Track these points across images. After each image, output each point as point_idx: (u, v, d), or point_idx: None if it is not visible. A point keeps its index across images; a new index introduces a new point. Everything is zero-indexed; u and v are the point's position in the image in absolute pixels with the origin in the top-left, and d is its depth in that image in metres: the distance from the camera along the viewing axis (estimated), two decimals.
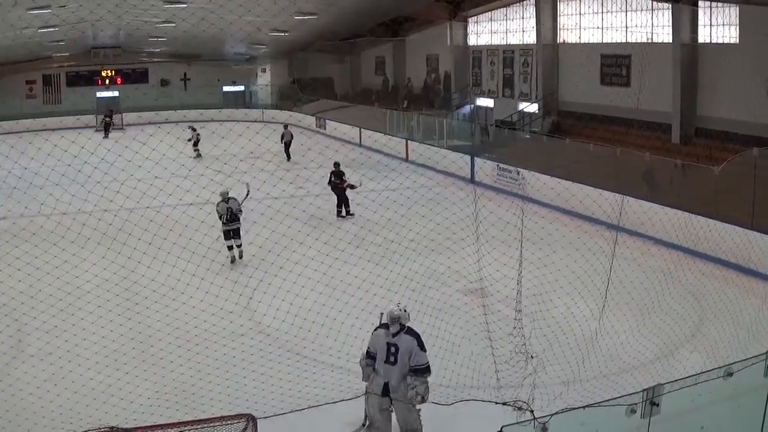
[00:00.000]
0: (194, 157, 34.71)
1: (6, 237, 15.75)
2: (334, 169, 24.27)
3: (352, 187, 23.42)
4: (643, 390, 6.73)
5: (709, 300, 14.42)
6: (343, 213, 23.78)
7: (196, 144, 36.38)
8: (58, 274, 12.98)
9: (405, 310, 10.08)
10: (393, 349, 9.95)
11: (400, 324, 9.97)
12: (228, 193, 19.32)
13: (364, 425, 10.51)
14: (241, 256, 19.42)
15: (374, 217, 16.83)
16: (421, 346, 9.98)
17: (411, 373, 9.93)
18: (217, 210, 19.28)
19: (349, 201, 23.73)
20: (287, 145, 36.26)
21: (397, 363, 9.91)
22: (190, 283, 13.60)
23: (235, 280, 14.02)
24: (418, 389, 9.89)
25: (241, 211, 19.43)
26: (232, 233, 19.36)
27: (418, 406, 10.12)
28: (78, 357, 12.02)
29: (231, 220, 19.23)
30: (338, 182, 23.84)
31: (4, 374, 12.38)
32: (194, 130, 37.02)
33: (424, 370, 9.96)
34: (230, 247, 19.45)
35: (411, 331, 10.06)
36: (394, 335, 9.97)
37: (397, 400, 10.00)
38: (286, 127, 37.54)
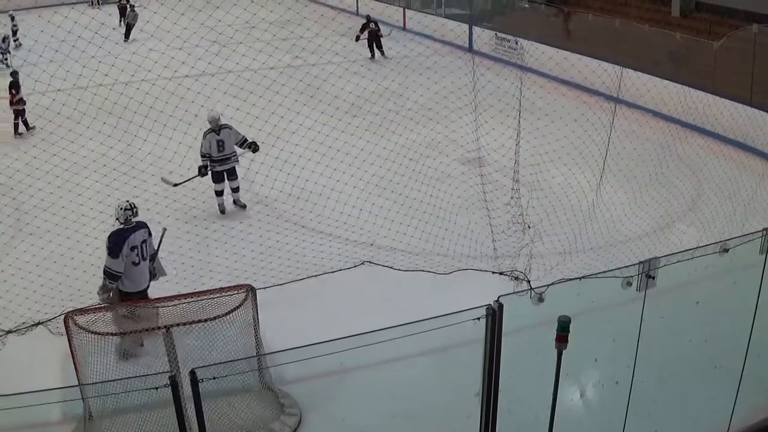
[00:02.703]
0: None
1: (2, 116, 15.61)
2: (367, 21, 28.60)
3: (382, 35, 28.25)
4: (639, 263, 6.77)
5: (707, 175, 14.42)
6: (386, 54, 27.91)
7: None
8: (55, 150, 12.90)
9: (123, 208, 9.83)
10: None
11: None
12: (220, 120, 14.46)
13: None
14: (243, 205, 14.72)
15: (371, 86, 16.65)
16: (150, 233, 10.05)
17: None
18: (201, 147, 14.30)
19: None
20: (128, 27, 32.58)
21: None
22: (188, 155, 13.55)
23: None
24: None
25: (243, 142, 14.48)
26: (225, 173, 14.48)
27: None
28: (77, 233, 12.04)
29: (223, 158, 14.33)
30: (377, 29, 28.27)
31: (4, 254, 12.42)
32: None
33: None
34: (220, 192, 14.56)
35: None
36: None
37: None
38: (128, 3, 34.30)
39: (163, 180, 13.98)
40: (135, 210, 9.85)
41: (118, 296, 9.84)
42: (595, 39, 23.10)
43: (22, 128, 19.51)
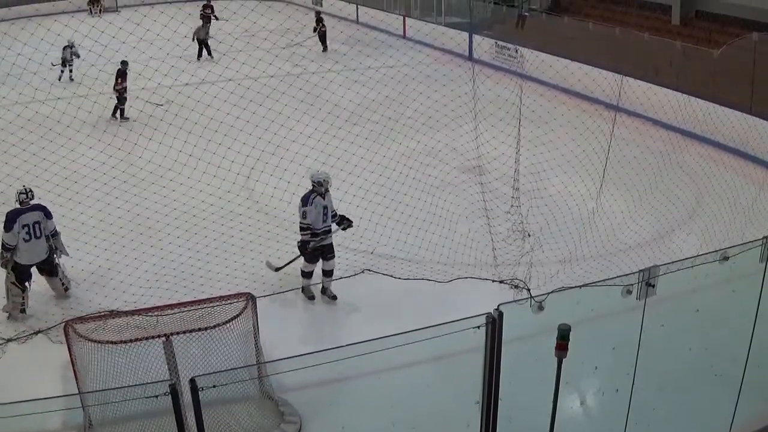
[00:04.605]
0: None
1: (1, 124, 15.59)
2: (317, 17, 31.66)
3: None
4: (639, 271, 6.77)
5: (707, 183, 14.41)
6: (327, 49, 31.03)
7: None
8: (55, 159, 12.89)
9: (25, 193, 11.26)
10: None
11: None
12: (329, 182, 11.51)
13: None
14: (333, 296, 11.71)
15: (371, 95, 16.66)
16: (48, 215, 11.31)
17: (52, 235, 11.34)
18: (304, 216, 11.37)
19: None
20: (203, 43, 28.23)
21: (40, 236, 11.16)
22: (188, 163, 13.54)
23: (232, 159, 13.97)
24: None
25: (337, 214, 11.85)
26: (321, 251, 11.63)
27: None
28: (76, 242, 12.03)
29: (325, 230, 11.55)
30: (324, 27, 31.28)
31: None
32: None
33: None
34: (309, 274, 11.77)
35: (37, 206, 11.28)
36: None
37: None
38: None
39: (268, 264, 12.31)
40: (30, 194, 11.27)
41: (12, 265, 11.04)
42: (596, 47, 23.14)
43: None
